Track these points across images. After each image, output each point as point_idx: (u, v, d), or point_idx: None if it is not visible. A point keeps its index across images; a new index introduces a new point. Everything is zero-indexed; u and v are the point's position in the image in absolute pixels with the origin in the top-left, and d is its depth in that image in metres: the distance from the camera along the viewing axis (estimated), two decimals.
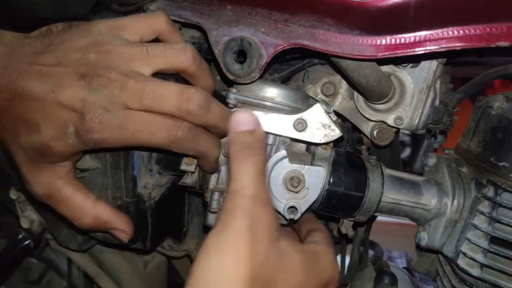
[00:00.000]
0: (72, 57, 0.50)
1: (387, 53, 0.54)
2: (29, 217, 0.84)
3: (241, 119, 0.50)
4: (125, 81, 0.49)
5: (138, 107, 0.50)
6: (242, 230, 0.43)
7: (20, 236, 0.84)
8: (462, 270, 0.60)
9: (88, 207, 0.57)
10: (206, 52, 0.67)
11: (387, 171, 0.64)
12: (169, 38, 0.56)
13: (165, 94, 0.50)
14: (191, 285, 0.42)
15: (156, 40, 0.57)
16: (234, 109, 0.59)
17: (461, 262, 0.60)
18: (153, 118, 0.51)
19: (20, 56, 0.50)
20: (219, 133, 0.57)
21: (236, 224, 0.43)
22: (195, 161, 0.63)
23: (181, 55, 0.53)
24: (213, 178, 0.63)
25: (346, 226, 0.66)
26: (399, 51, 0.54)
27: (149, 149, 0.60)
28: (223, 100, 0.62)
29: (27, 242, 0.85)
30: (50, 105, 0.49)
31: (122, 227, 0.61)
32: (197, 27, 0.60)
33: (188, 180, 0.64)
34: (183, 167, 0.63)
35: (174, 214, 0.83)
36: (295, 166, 0.58)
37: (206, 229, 0.58)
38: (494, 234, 0.57)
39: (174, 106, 0.50)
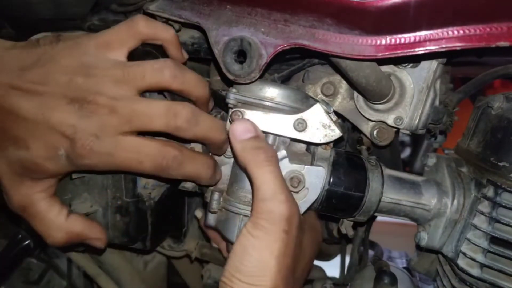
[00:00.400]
0: (60, 78, 0.50)
1: (387, 53, 0.54)
2: None
3: (242, 128, 0.55)
4: (114, 106, 0.50)
5: (129, 129, 0.51)
6: (279, 233, 0.50)
7: (20, 236, 0.84)
8: (462, 270, 0.60)
9: (60, 223, 0.57)
10: (206, 52, 0.67)
11: (387, 171, 0.64)
12: (154, 40, 0.56)
13: (152, 114, 0.51)
14: (236, 278, 0.50)
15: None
16: (234, 109, 0.59)
17: (461, 262, 0.60)
18: (141, 146, 0.52)
19: (7, 69, 0.51)
20: (212, 145, 0.58)
21: (275, 228, 0.50)
22: None
23: (159, 75, 0.52)
24: None
25: (346, 226, 0.66)
26: (399, 51, 0.54)
27: (141, 175, 0.60)
28: (222, 100, 0.62)
29: (27, 242, 0.85)
30: (40, 126, 0.49)
31: (95, 235, 0.60)
32: (197, 27, 0.60)
33: (188, 185, 0.64)
34: None
35: (174, 214, 0.82)
36: (295, 166, 0.58)
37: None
38: (494, 234, 0.57)
39: (163, 124, 0.51)
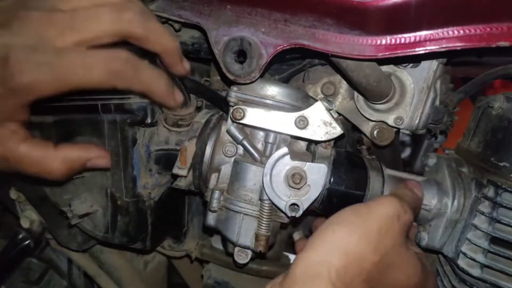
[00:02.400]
0: None
1: (387, 53, 0.54)
2: (29, 217, 0.84)
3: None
4: (51, 16, 0.45)
5: (74, 39, 0.46)
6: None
7: (20, 236, 0.84)
8: (462, 270, 0.60)
9: (51, 154, 0.52)
10: (206, 52, 0.67)
11: (387, 171, 0.64)
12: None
13: (99, 13, 0.46)
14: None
15: None
16: (235, 107, 0.59)
17: (461, 262, 0.60)
18: (87, 52, 0.46)
19: None
20: (156, 98, 0.54)
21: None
22: (187, 165, 0.62)
23: (122, 13, 0.47)
24: (213, 177, 0.63)
25: None
26: (399, 51, 0.54)
27: (93, 90, 0.50)
28: (223, 100, 0.62)
29: (27, 242, 0.85)
30: None
31: (95, 154, 0.56)
32: (197, 27, 0.60)
33: (182, 183, 0.64)
34: (175, 170, 0.62)
35: (174, 214, 0.83)
36: (297, 163, 0.58)
37: (206, 229, 0.57)
38: (494, 234, 0.56)
39: (113, 21, 0.47)
